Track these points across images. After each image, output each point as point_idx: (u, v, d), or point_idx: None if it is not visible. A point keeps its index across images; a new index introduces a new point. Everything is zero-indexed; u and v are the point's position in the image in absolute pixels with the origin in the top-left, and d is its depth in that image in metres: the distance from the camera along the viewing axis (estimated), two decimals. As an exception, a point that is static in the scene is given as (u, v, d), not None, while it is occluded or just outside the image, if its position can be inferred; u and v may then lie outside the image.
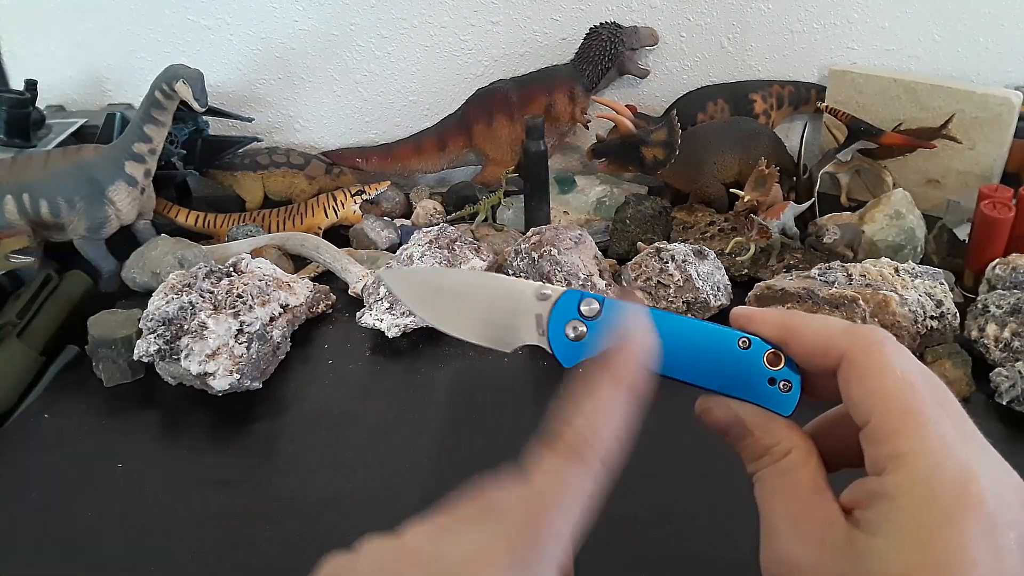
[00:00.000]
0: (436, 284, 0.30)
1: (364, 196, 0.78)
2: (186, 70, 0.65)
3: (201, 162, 0.80)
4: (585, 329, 0.28)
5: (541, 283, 0.29)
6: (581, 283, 0.61)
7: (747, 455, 0.27)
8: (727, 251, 0.67)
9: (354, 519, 0.46)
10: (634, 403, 0.25)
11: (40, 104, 0.78)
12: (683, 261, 0.61)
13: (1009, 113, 0.71)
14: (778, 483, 0.26)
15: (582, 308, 0.28)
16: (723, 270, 0.63)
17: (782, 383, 0.27)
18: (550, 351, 0.28)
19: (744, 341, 0.27)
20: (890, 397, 0.24)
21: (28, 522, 0.48)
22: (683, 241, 0.68)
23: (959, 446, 0.23)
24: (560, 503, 0.23)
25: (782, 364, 0.27)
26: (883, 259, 0.61)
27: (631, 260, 0.64)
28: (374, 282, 0.63)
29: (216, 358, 0.54)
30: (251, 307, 0.57)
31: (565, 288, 0.29)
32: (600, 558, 0.43)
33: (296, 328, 0.62)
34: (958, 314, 0.57)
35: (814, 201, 0.70)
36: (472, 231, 0.74)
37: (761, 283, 0.60)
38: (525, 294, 0.29)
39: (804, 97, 0.82)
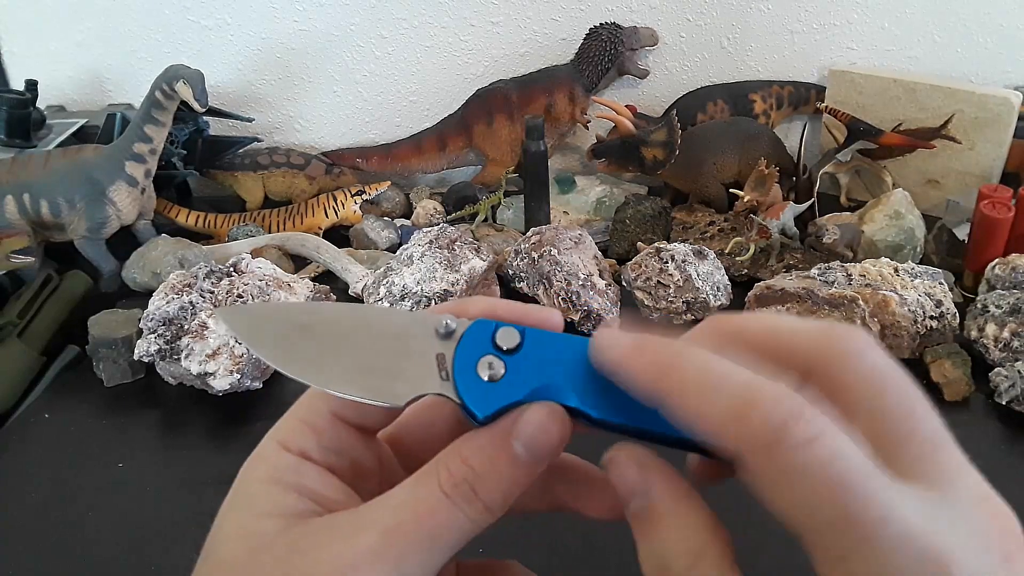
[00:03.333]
0: (300, 322, 0.24)
1: (364, 196, 0.78)
2: (186, 70, 0.66)
3: (201, 162, 0.80)
4: (503, 367, 0.22)
5: (442, 315, 0.23)
6: (581, 283, 0.61)
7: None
8: (727, 251, 0.67)
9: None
10: (532, 472, 0.22)
11: (40, 104, 0.78)
12: (683, 261, 0.61)
13: (1008, 113, 0.71)
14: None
15: (498, 340, 0.23)
16: (723, 270, 0.63)
17: None
18: (457, 401, 0.22)
19: None
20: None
21: (28, 522, 0.48)
22: (683, 241, 0.68)
23: (931, 525, 0.17)
24: (431, 539, 0.21)
25: None
26: (883, 259, 0.61)
27: (631, 260, 0.64)
28: (374, 282, 0.63)
29: (216, 358, 0.54)
30: (251, 307, 0.57)
31: (473, 318, 0.23)
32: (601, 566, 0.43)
33: (296, 328, 0.62)
34: (957, 314, 0.57)
35: (814, 201, 0.70)
36: (472, 231, 0.74)
37: (761, 283, 0.60)
38: (420, 329, 0.23)
39: (804, 97, 0.82)
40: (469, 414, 0.22)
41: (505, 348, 0.23)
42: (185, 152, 0.78)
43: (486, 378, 0.22)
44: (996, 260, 0.62)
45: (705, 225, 0.73)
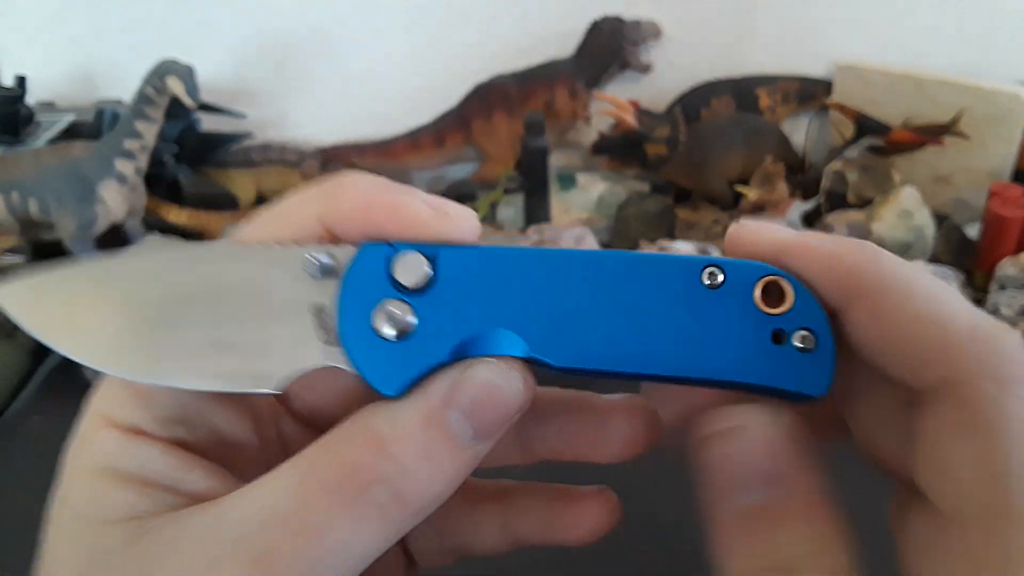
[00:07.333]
0: (103, 290, 0.17)
1: (361, 194, 0.77)
2: (177, 65, 0.65)
3: (193, 159, 0.79)
4: (411, 313, 0.16)
5: (311, 246, 0.17)
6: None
7: None
8: (732, 250, 0.66)
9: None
10: (481, 454, 0.16)
11: (30, 100, 0.77)
12: (687, 261, 0.59)
13: (1019, 110, 0.70)
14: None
15: (398, 273, 0.16)
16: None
17: (798, 335, 0.16)
18: (352, 371, 0.16)
19: (713, 273, 0.16)
20: None
21: (18, 526, 0.46)
22: (687, 240, 0.67)
23: None
24: (324, 566, 0.15)
25: (790, 300, 0.16)
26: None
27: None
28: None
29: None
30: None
31: (359, 243, 0.16)
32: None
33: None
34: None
35: (820, 199, 0.69)
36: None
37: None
38: (282, 273, 0.16)
39: (810, 92, 0.80)
40: (372, 387, 0.16)
41: (411, 285, 0.16)
42: (177, 148, 0.77)
43: (389, 334, 0.16)
44: (1007, 258, 0.60)
45: (710, 223, 0.71)
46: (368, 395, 0.17)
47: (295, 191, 0.18)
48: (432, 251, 0.16)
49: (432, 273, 0.16)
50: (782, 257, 0.16)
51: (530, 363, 0.16)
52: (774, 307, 0.16)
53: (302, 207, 0.18)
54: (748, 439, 0.15)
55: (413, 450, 0.15)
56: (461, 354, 0.16)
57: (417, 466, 0.15)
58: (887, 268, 0.15)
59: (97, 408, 0.18)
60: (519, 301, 0.16)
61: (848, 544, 0.16)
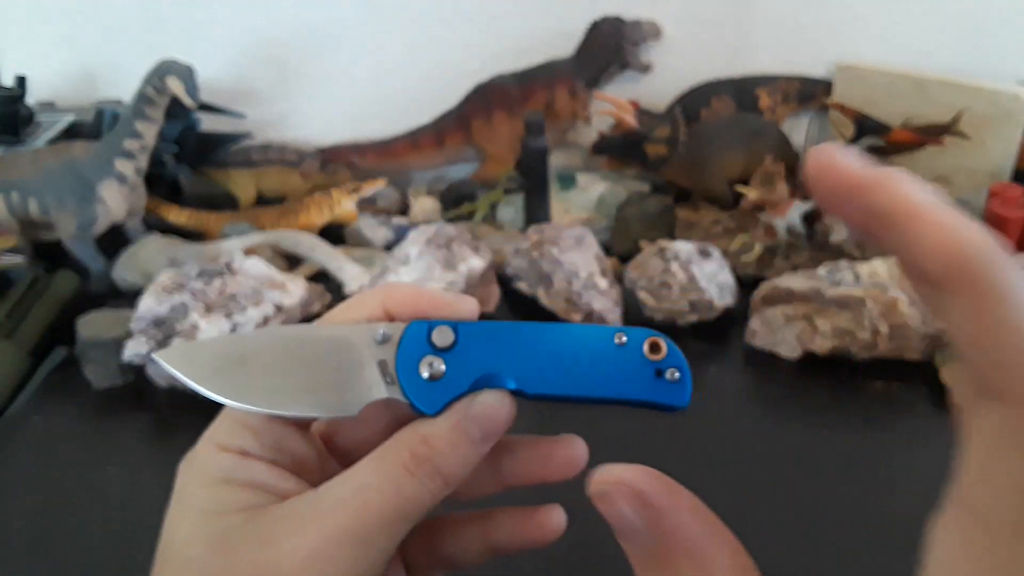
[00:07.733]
0: (237, 354, 0.25)
1: (360, 194, 0.77)
2: (177, 65, 0.65)
3: (193, 159, 0.79)
4: (443, 364, 0.24)
5: (376, 324, 0.25)
6: (583, 283, 0.59)
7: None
8: (732, 250, 0.66)
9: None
10: (485, 449, 0.24)
11: (30, 100, 0.77)
12: (687, 260, 0.59)
13: (1020, 110, 0.70)
14: None
15: (434, 340, 0.25)
16: (728, 269, 0.62)
17: (669, 372, 0.24)
18: (406, 400, 0.24)
19: (620, 336, 0.25)
20: None
21: (16, 526, 0.47)
22: (687, 240, 0.67)
23: None
24: (398, 515, 0.23)
25: (664, 352, 0.24)
26: (892, 258, 0.59)
27: (634, 259, 0.62)
28: (369, 284, 0.62)
29: (207, 361, 0.53)
30: (244, 307, 0.56)
31: (408, 321, 0.25)
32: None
33: (290, 329, 0.61)
34: (969, 315, 0.56)
35: (820, 199, 0.69)
36: (471, 229, 0.73)
37: (767, 283, 0.58)
38: (357, 340, 0.25)
39: (810, 92, 0.80)
40: (418, 411, 0.24)
41: (442, 346, 0.25)
42: (177, 148, 0.76)
43: (428, 377, 0.24)
44: (1007, 259, 0.60)
45: (710, 223, 0.71)
46: (385, 432, 0.25)
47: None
48: (454, 325, 0.25)
49: (455, 339, 0.25)
50: (904, 217, 0.16)
51: (514, 393, 0.25)
52: (655, 356, 0.24)
53: (371, 300, 0.26)
54: (621, 502, 0.21)
55: (445, 443, 0.23)
56: (474, 388, 0.24)
57: (448, 451, 0.23)
58: (996, 267, 0.16)
59: (211, 436, 0.24)
60: (508, 355, 0.25)
61: (738, 548, 0.19)
